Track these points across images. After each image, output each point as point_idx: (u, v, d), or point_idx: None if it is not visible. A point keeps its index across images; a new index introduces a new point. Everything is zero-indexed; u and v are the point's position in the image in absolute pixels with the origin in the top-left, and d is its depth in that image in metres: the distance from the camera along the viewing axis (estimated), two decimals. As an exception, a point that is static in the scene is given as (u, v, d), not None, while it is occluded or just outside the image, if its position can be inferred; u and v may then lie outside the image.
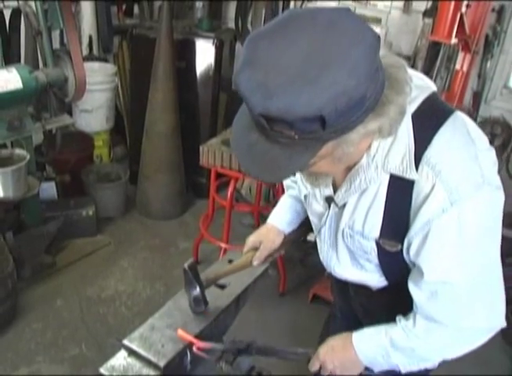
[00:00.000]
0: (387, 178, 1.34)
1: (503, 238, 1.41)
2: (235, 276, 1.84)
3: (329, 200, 1.54)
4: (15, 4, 3.51)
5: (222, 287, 1.84)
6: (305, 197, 1.69)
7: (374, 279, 1.64)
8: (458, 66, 3.63)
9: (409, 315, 1.49)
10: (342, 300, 2.04)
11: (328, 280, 3.48)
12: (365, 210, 1.44)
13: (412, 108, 1.28)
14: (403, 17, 4.09)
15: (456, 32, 3.12)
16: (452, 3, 2.98)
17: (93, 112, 4.38)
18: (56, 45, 4.11)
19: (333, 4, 4.30)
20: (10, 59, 3.59)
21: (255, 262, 1.82)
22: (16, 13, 3.59)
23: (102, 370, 1.48)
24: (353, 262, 1.63)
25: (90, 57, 4.63)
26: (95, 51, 4.75)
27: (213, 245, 3.62)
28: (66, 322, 3.22)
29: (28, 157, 3.25)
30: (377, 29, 3.83)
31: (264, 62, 1.05)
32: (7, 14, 3.60)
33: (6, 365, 2.89)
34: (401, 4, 4.07)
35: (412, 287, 1.44)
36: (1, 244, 2.99)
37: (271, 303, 3.52)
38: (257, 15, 4.40)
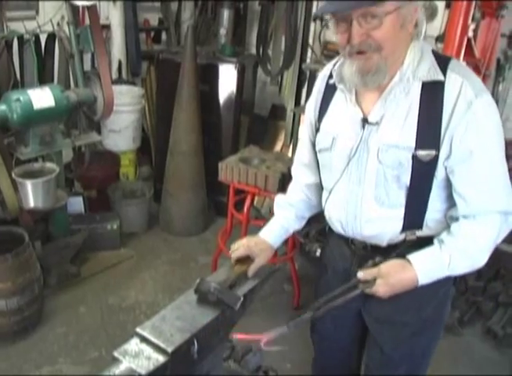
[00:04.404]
0: (419, 87, 1.61)
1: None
2: (243, 278, 1.96)
3: (363, 123, 1.71)
4: (50, 29, 3.77)
5: (231, 286, 1.96)
6: (327, 148, 1.83)
7: (394, 224, 1.77)
8: (470, 89, 3.73)
9: (449, 229, 1.71)
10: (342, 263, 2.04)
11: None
12: (401, 121, 1.64)
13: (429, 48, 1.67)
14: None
15: (465, 55, 3.25)
16: (459, 29, 3.12)
17: (120, 132, 4.56)
18: (88, 67, 4.33)
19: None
20: (45, 80, 3.80)
21: (251, 274, 1.92)
22: (51, 37, 3.83)
23: (115, 354, 1.60)
24: (377, 196, 1.75)
25: (119, 80, 4.85)
26: (124, 75, 4.97)
27: (232, 260, 3.73)
28: (87, 328, 3.38)
29: (58, 170, 3.44)
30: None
31: None
32: (43, 38, 3.82)
33: (31, 364, 3.05)
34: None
35: (456, 194, 1.68)
36: (30, 252, 3.17)
37: (284, 316, 3.62)
38: (277, 41, 4.59)
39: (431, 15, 4.14)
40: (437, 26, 4.10)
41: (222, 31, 4.95)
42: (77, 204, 4.15)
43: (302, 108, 4.44)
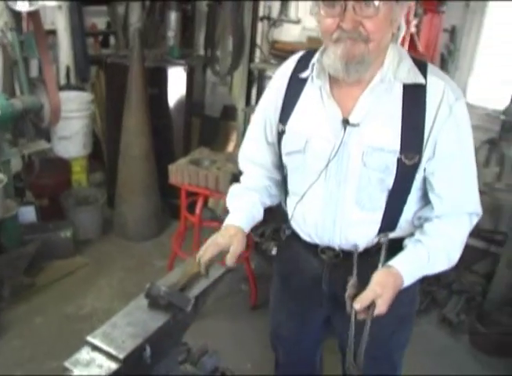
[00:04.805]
0: (400, 89, 1.63)
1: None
2: (193, 279, 1.96)
3: (344, 124, 1.65)
4: (-8, 35, 3.70)
5: (182, 288, 1.96)
6: (299, 150, 1.74)
7: (372, 227, 1.76)
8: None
9: (422, 229, 1.74)
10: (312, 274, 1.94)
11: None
12: (385, 123, 1.63)
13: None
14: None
15: (409, 50, 3.32)
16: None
17: (71, 139, 4.52)
18: (35, 73, 4.27)
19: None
20: (-12, 88, 3.74)
21: (229, 263, 1.84)
22: (-7, 44, 3.76)
23: (66, 364, 1.59)
24: (359, 199, 1.71)
25: (67, 86, 4.78)
26: (72, 80, 4.90)
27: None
28: (44, 338, 3.33)
29: (6, 180, 3.39)
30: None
31: None
32: (-15, 45, 3.74)
33: (-15, 380, 3.00)
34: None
35: (433, 195, 1.71)
36: (-20, 265, 3.12)
37: (243, 316, 3.66)
38: (225, 41, 4.60)
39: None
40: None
41: (170, 33, 4.92)
42: (28, 214, 4.08)
43: (253, 108, 4.47)
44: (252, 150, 1.97)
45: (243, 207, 1.92)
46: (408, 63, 1.63)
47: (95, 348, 1.69)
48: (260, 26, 4.79)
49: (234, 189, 2.01)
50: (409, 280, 1.68)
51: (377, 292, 1.58)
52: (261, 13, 4.77)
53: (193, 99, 4.64)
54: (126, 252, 4.37)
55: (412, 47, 3.39)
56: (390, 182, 1.67)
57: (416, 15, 3.39)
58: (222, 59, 4.79)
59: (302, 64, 1.75)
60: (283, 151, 1.81)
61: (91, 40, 5.37)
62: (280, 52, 4.44)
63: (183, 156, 4.44)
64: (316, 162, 1.72)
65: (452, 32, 4.07)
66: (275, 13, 4.77)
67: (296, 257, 1.98)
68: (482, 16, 4.06)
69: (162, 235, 4.64)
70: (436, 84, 1.62)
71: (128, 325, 1.74)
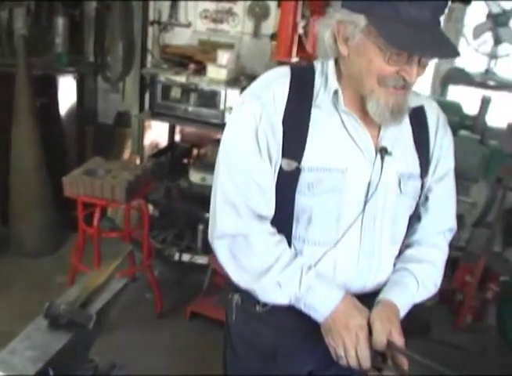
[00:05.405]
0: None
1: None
2: (94, 294, 1.90)
3: (382, 153, 1.50)
4: None
5: (83, 304, 1.90)
6: (337, 186, 1.48)
7: (392, 261, 1.66)
8: (306, 83, 3.91)
9: (406, 255, 1.68)
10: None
11: (206, 297, 3.63)
12: (406, 148, 1.58)
13: None
14: (254, 41, 4.37)
15: (298, 51, 3.39)
16: (290, 26, 3.24)
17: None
18: None
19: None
20: None
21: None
22: None
23: (-35, 397, 1.50)
24: (393, 233, 1.60)
25: None
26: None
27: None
28: None
29: None
30: (230, 54, 4.05)
31: None
32: None
33: None
34: (251, 29, 4.34)
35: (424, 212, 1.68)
36: None
37: (149, 325, 3.61)
38: (115, 47, 4.49)
39: (264, 14, 4.28)
40: (270, 25, 4.26)
41: (58, 40, 4.77)
42: None
43: (147, 113, 4.41)
44: (257, 201, 1.51)
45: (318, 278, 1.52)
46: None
47: (-7, 377, 1.60)
48: (150, 30, 4.72)
49: (279, 264, 1.50)
50: (403, 310, 1.56)
51: (388, 329, 1.45)
52: (151, 17, 4.70)
53: (85, 107, 4.52)
54: (24, 270, 4.17)
55: (301, 48, 3.46)
56: (413, 207, 1.62)
57: (303, 17, 3.46)
58: (113, 65, 4.68)
59: (299, 87, 1.52)
60: (302, 192, 1.49)
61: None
62: (172, 56, 4.40)
63: (78, 166, 4.33)
64: (354, 200, 1.51)
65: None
66: (165, 17, 4.72)
67: (291, 325, 1.63)
68: (367, 16, 4.20)
69: (62, 249, 4.47)
70: (430, 105, 1.63)
71: (28, 349, 1.66)
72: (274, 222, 1.54)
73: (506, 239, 4.25)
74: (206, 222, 4.24)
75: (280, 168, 1.49)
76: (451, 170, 1.67)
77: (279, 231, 1.54)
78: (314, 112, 1.49)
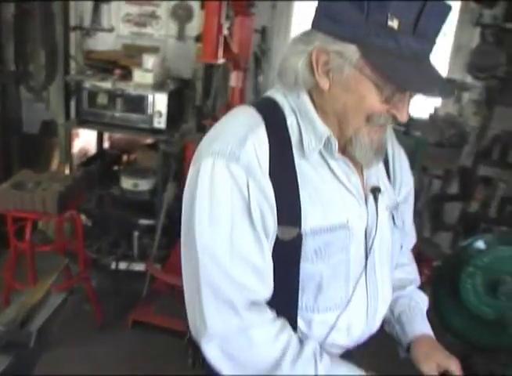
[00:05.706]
0: None
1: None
2: (33, 311, 1.85)
3: (375, 193, 1.36)
4: None
5: (22, 323, 1.84)
6: (345, 245, 1.32)
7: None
8: (233, 83, 3.94)
9: (399, 279, 1.63)
10: None
11: (146, 304, 3.59)
12: (385, 180, 1.46)
13: None
14: (178, 44, 4.35)
15: (224, 53, 3.40)
16: (215, 27, 3.25)
17: None
18: None
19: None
20: None
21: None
22: None
23: None
24: (391, 269, 1.51)
25: None
26: None
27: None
28: None
29: None
30: (156, 57, 4.02)
31: None
32: None
33: None
34: (175, 32, 4.32)
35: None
36: None
37: (91, 337, 3.53)
38: (37, 55, 4.37)
39: (188, 16, 4.27)
40: (195, 26, 4.25)
41: (-25, 49, 4.60)
42: None
43: (73, 121, 4.31)
44: (254, 286, 1.26)
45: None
46: None
47: None
48: (73, 36, 4.62)
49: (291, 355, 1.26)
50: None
51: (453, 358, 1.47)
52: (72, 23, 4.59)
53: (9, 118, 4.36)
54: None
55: (227, 49, 3.47)
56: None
57: (227, 17, 3.47)
58: (36, 73, 4.55)
59: (276, 136, 1.26)
60: (310, 260, 1.29)
61: None
62: (96, 62, 4.33)
63: (5, 179, 4.18)
64: (357, 252, 1.35)
65: (263, 32, 4.25)
66: (87, 22, 4.63)
67: None
68: (289, 17, 4.30)
69: (-7, 267, 4.31)
70: (392, 139, 1.53)
71: (-35, 374, 1.60)
72: (273, 298, 1.30)
73: (434, 225, 4.43)
74: (141, 229, 4.25)
75: (277, 237, 1.26)
76: (412, 187, 1.57)
77: (281, 305, 1.31)
78: (299, 163, 1.26)
